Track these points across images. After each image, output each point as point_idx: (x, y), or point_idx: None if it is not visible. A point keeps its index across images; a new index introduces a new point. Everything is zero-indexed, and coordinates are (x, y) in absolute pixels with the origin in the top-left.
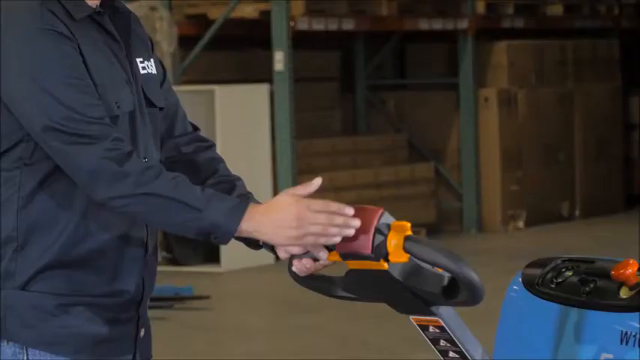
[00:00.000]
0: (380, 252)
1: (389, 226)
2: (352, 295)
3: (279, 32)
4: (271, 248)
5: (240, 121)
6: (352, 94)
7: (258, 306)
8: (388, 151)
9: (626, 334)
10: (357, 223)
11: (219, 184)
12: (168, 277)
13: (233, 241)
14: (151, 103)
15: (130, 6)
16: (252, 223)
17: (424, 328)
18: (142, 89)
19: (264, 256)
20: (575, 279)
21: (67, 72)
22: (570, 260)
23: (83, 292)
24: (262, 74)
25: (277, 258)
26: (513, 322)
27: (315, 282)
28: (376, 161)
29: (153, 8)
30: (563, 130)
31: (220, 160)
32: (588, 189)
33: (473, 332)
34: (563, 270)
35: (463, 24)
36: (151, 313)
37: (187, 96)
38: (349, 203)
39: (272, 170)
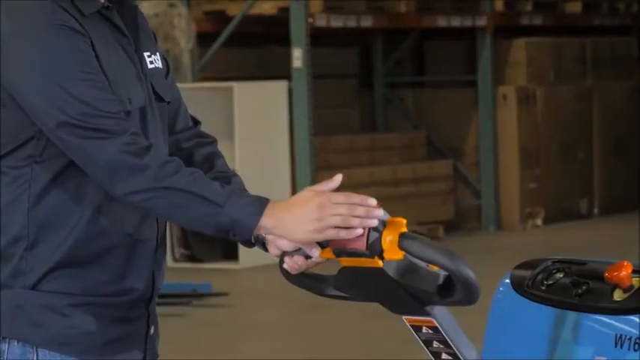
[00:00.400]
0: (375, 249)
1: (384, 223)
2: (344, 295)
3: (298, 29)
4: (262, 245)
5: (258, 118)
6: (370, 92)
7: (276, 303)
8: (406, 149)
9: (620, 337)
10: (379, 213)
11: (214, 180)
12: (186, 273)
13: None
14: (160, 98)
15: (148, 3)
16: (272, 219)
17: (417, 328)
18: (151, 84)
19: None
20: (566, 281)
21: (81, 67)
22: (561, 262)
23: (94, 291)
24: (281, 71)
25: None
26: (502, 324)
27: (306, 280)
28: (394, 158)
29: (171, 5)
30: (581, 128)
31: (218, 156)
32: (607, 187)
33: (476, 332)
34: (554, 271)
35: (482, 21)
36: (169, 309)
37: (205, 93)
38: None
39: (290, 167)
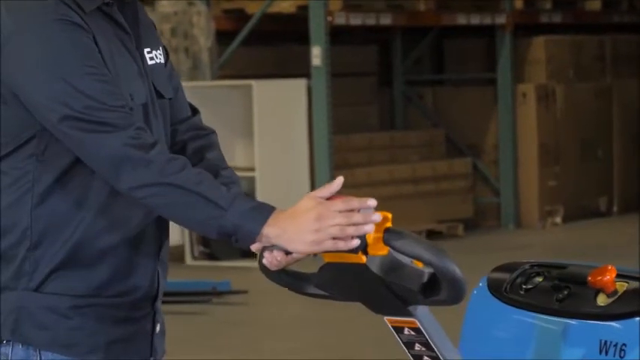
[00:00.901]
0: (359, 244)
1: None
2: (325, 293)
3: (317, 27)
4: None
5: (277, 116)
6: (389, 89)
7: (295, 301)
8: (425, 147)
9: (605, 343)
10: (377, 217)
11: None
12: (205, 271)
13: None
14: (160, 95)
15: (167, 1)
16: (275, 228)
17: (399, 330)
18: (152, 81)
19: None
20: (547, 285)
21: (85, 61)
22: (541, 265)
23: (97, 291)
24: (300, 69)
25: (315, 253)
26: (478, 329)
27: (286, 278)
28: (413, 156)
29: (190, 3)
30: (600, 126)
31: (212, 149)
32: (626, 185)
33: (451, 336)
34: (533, 275)
35: (501, 19)
36: (189, 307)
37: (224, 91)
38: (386, 198)
39: (309, 165)
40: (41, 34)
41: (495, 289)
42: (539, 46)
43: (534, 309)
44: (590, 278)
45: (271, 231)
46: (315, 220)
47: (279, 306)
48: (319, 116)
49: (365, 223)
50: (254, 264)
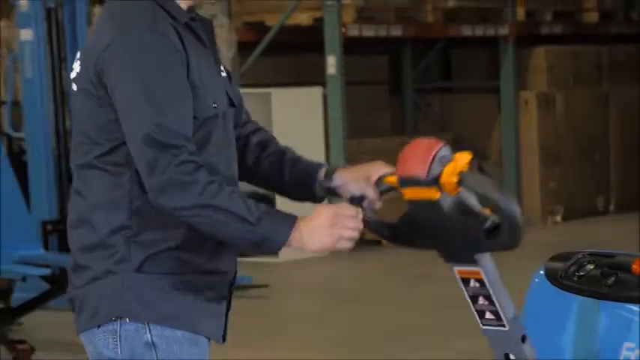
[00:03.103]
0: (434, 179)
1: (448, 158)
2: (406, 241)
3: (332, 38)
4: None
5: (295, 122)
6: (400, 97)
7: (313, 295)
8: None
9: None
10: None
11: (270, 156)
12: None
13: None
14: (232, 103)
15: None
16: (297, 235)
17: (466, 282)
18: (226, 91)
19: None
20: (596, 272)
21: (169, 82)
22: (591, 254)
23: (192, 271)
24: (316, 77)
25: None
26: (537, 312)
27: (380, 228)
28: None
29: (213, 16)
30: (598, 130)
31: (270, 139)
32: (622, 185)
33: None
34: (585, 264)
35: (504, 30)
36: None
37: (245, 98)
38: (396, 198)
39: None
40: (138, 48)
41: (552, 276)
42: (539, 55)
43: (586, 294)
44: (634, 266)
45: (294, 238)
46: (329, 225)
47: (297, 300)
48: (334, 122)
49: (357, 228)
50: (275, 260)
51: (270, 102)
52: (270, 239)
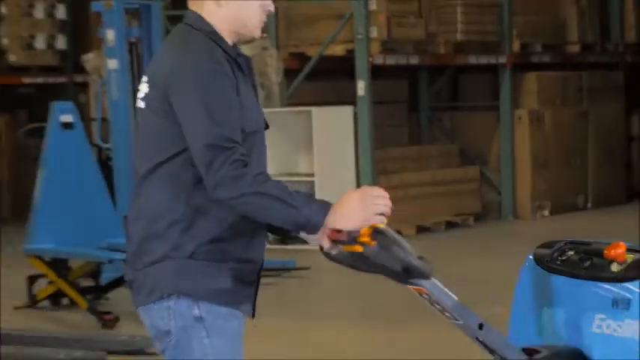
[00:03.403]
0: (354, 239)
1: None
2: (363, 269)
3: (361, 66)
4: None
5: (331, 135)
6: (417, 114)
7: (346, 275)
8: (444, 158)
9: (616, 299)
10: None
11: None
12: (277, 253)
13: None
14: (266, 125)
15: (247, 47)
16: (332, 217)
17: (420, 294)
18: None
19: None
20: (576, 257)
21: (223, 101)
22: (572, 243)
23: (232, 259)
24: (348, 98)
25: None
26: (527, 290)
27: (341, 258)
28: (435, 165)
29: (264, 48)
30: (579, 141)
31: None
32: (598, 186)
33: (504, 294)
34: (567, 250)
35: (502, 59)
36: (264, 280)
37: (291, 115)
38: (414, 197)
39: (355, 172)
40: (199, 73)
41: (539, 260)
42: (531, 80)
43: (567, 275)
44: (606, 252)
45: (329, 219)
46: (360, 203)
47: (334, 279)
48: (363, 134)
49: (387, 204)
50: (314, 247)
51: (311, 118)
52: (311, 220)
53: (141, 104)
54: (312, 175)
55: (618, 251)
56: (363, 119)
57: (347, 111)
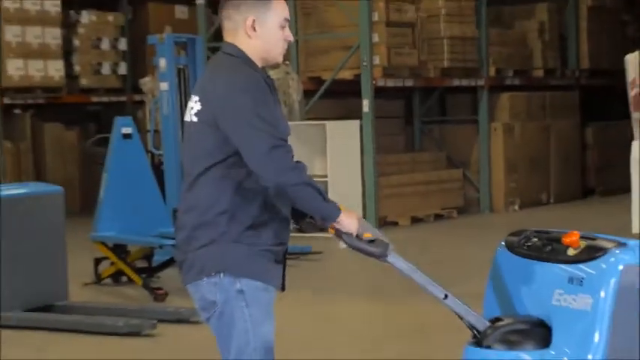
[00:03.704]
0: (339, 234)
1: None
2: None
3: (366, 87)
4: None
5: (341, 144)
6: (411, 126)
7: (353, 258)
8: (433, 162)
9: (572, 277)
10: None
11: None
12: (296, 240)
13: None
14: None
15: (273, 71)
16: (343, 216)
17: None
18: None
19: None
20: (539, 243)
21: (269, 110)
22: (536, 232)
23: (267, 242)
24: (355, 114)
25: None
26: (500, 271)
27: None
28: (426, 168)
29: (287, 72)
30: (542, 149)
31: None
32: (559, 185)
33: (481, 272)
34: (532, 237)
35: (481, 82)
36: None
37: (308, 127)
38: (409, 194)
39: (361, 173)
40: (247, 89)
41: (509, 246)
42: (504, 99)
43: (532, 258)
44: (563, 239)
45: (341, 219)
46: (357, 221)
47: (343, 262)
48: (367, 143)
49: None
50: (327, 235)
51: (325, 130)
52: (332, 214)
53: (194, 119)
54: (325, 176)
55: (573, 238)
56: (367, 131)
57: (354, 124)
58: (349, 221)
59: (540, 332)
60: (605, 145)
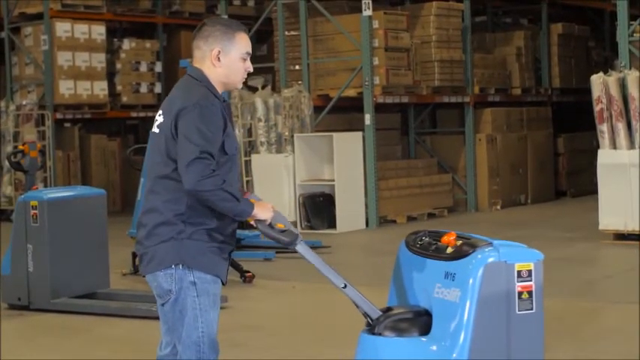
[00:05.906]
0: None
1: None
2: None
3: (368, 103)
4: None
5: (347, 153)
6: (407, 137)
7: (357, 251)
8: (426, 168)
9: (447, 272)
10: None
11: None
12: (307, 235)
13: (343, 215)
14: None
15: (287, 90)
16: (256, 210)
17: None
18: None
19: (360, 224)
20: (427, 242)
21: (212, 128)
22: (430, 232)
23: (216, 240)
24: (358, 127)
25: (367, 224)
26: (400, 265)
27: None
28: (420, 173)
29: (300, 91)
30: (521, 156)
31: None
32: (535, 188)
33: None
34: (424, 237)
35: (467, 99)
36: (297, 255)
37: (318, 138)
38: (405, 196)
39: (364, 177)
40: (200, 110)
41: (407, 244)
42: (487, 113)
43: (420, 254)
44: (442, 238)
45: (255, 213)
46: (270, 210)
47: (349, 255)
48: (369, 152)
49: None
50: (334, 231)
51: (332, 141)
52: (244, 211)
53: (156, 130)
54: (332, 180)
55: (450, 238)
56: (368, 141)
57: (357, 136)
58: (263, 213)
59: (425, 321)
60: (574, 153)
